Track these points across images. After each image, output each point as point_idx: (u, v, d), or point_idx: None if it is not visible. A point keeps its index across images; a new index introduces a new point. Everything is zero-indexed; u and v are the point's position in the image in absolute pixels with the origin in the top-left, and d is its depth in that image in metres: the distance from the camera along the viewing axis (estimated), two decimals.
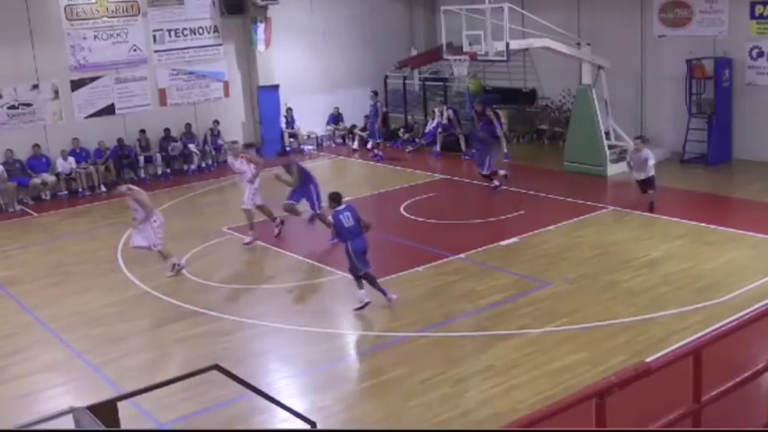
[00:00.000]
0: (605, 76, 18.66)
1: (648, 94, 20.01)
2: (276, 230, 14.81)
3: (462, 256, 13.15)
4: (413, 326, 10.58)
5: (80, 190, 19.77)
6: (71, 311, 12.15)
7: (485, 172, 17.05)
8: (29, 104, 19.85)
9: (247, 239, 14.50)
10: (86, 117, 20.58)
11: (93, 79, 20.66)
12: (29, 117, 19.86)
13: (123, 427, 6.05)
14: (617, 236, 13.79)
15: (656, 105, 19.88)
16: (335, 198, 11.22)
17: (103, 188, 19.84)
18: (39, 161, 19.66)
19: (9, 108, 19.58)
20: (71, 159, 19.89)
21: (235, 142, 17.47)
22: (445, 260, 13.03)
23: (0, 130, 19.38)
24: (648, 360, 6.31)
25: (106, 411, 5.81)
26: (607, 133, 18.39)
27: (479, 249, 13.39)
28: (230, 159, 15.10)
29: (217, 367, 6.75)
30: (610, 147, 18.15)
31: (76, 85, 20.44)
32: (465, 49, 17.98)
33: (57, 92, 20.18)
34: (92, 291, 12.85)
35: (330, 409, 8.65)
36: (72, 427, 5.74)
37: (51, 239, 16.24)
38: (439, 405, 8.51)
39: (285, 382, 9.58)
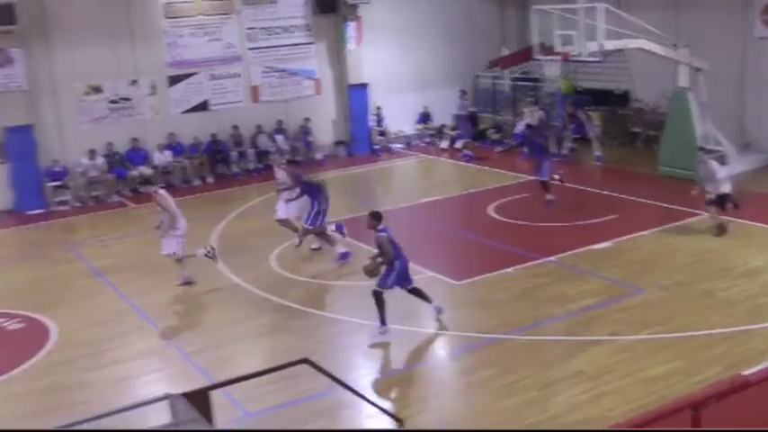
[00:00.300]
0: (703, 78, 18.10)
1: (749, 97, 19.29)
2: (299, 241, 14.15)
3: (553, 258, 12.97)
4: (501, 328, 10.48)
5: (176, 183, 20.35)
6: (165, 301, 12.51)
7: (544, 178, 16.04)
8: (128, 99, 20.51)
9: (315, 245, 14.36)
10: (182, 112, 21.14)
11: (188, 76, 21.19)
12: (128, 111, 20.52)
13: (215, 414, 6.15)
14: (713, 243, 13.35)
15: (758, 109, 19.15)
16: (378, 217, 10.68)
17: (197, 182, 20.41)
18: (137, 154, 20.32)
19: (110, 102, 20.28)
20: (167, 153, 20.49)
21: (276, 153, 17.40)
22: (535, 262, 12.87)
23: (101, 123, 20.11)
24: (746, 373, 6.10)
25: (199, 399, 5.94)
26: (705, 137, 17.82)
27: (571, 252, 13.17)
28: (276, 169, 15.04)
29: (306, 361, 6.82)
30: (707, 151, 17.56)
31: (173, 81, 21.01)
32: (557, 50, 17.71)
33: (154, 87, 20.79)
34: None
35: (416, 407, 8.64)
36: (168, 412, 5.90)
37: (148, 230, 16.66)
38: (527, 408, 8.40)
39: (371, 379, 9.61)
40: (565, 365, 9.40)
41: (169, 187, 20.04)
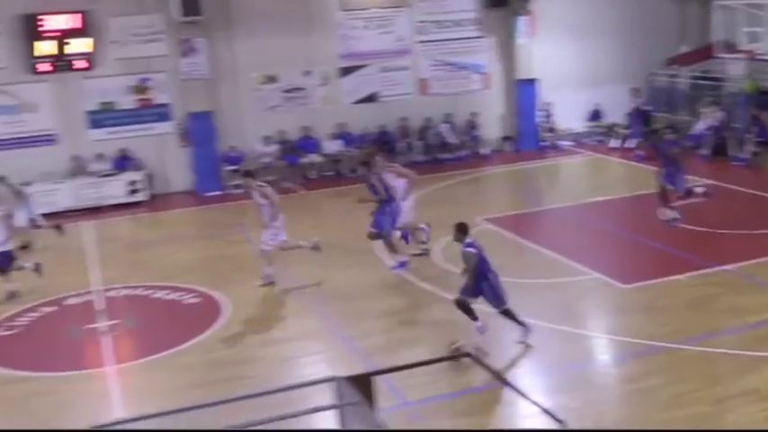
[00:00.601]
0: None
1: None
2: (422, 249, 13.85)
3: (729, 267, 12.26)
4: (670, 336, 10.03)
5: (344, 172, 20.84)
6: (329, 285, 12.82)
7: (673, 187, 14.73)
8: (301, 89, 21.21)
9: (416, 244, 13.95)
10: (352, 103, 21.62)
11: (359, 67, 21.64)
12: (300, 101, 21.23)
13: (377, 400, 6.25)
14: None
15: None
16: (464, 229, 10.23)
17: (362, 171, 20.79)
18: (308, 142, 20.99)
19: (284, 92, 21.05)
20: (337, 142, 21.03)
21: (378, 155, 16.83)
22: (709, 270, 12.22)
23: (276, 111, 20.92)
24: None
25: (362, 384, 6.06)
26: None
27: (750, 262, 12.38)
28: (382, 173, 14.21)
29: (469, 355, 6.82)
30: None
31: (344, 72, 21.51)
32: (741, 48, 16.77)
33: (326, 78, 21.37)
34: (349, 268, 13.43)
35: (578, 411, 8.42)
36: (332, 394, 6.05)
37: (316, 216, 17.19)
38: (696, 422, 8.00)
39: (531, 378, 9.49)
40: (739, 381, 8.88)
41: (338, 175, 20.79)
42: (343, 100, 21.56)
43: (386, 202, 13.26)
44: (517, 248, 14.26)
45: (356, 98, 21.69)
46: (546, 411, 7.04)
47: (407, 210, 13.75)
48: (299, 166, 20.68)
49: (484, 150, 22.30)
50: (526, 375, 9.54)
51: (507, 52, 22.65)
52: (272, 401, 6.31)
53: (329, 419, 6.27)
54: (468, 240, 10.17)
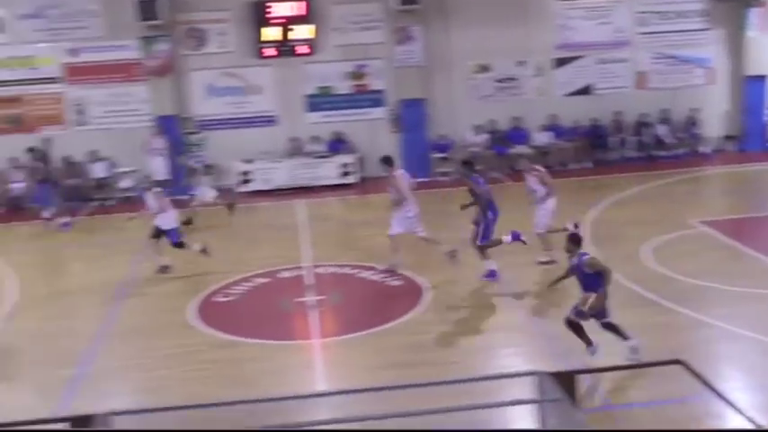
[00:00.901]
0: None
1: None
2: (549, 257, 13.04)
3: None
4: None
5: (552, 164, 20.47)
6: (530, 279, 12.66)
7: None
8: (513, 79, 21.08)
9: (543, 258, 13.18)
10: (565, 95, 21.19)
11: (574, 58, 21.17)
12: (513, 91, 21.12)
13: (580, 398, 6.10)
14: None
15: None
16: (577, 241, 9.57)
17: (574, 165, 20.31)
18: (518, 133, 20.85)
19: (496, 81, 21.02)
20: (547, 134, 20.70)
21: (522, 157, 16.02)
22: None
23: (487, 101, 20.93)
24: None
25: (565, 381, 5.94)
26: None
27: None
28: (527, 176, 13.79)
29: (679, 362, 6.48)
30: None
31: (559, 63, 21.13)
32: None
33: (540, 69, 21.10)
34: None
35: None
36: (533, 388, 5.97)
37: (519, 208, 16.90)
38: None
39: (743, 393, 8.86)
40: None
41: (546, 168, 20.36)
42: (556, 91, 21.22)
43: (483, 210, 12.74)
44: (734, 254, 13.39)
45: (569, 90, 21.28)
46: (760, 430, 6.60)
47: (545, 214, 13.29)
48: (507, 157, 20.53)
49: (704, 149, 21.20)
50: (737, 390, 8.90)
51: (735, 46, 21.33)
52: (466, 389, 6.31)
53: (525, 414, 6.21)
54: (581, 252, 9.62)
